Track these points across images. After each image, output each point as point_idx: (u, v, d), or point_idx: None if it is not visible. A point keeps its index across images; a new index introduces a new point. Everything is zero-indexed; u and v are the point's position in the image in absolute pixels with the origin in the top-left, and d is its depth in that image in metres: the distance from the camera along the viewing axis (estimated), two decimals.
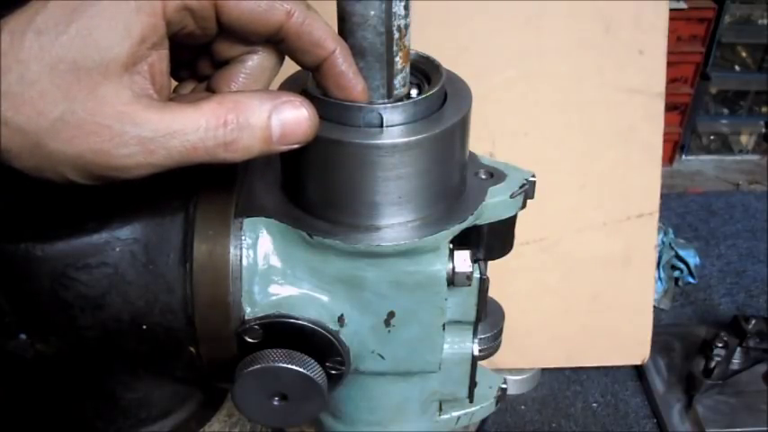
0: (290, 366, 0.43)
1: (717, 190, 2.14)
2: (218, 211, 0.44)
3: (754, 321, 1.41)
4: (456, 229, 0.44)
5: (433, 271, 0.44)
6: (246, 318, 0.44)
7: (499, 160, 0.50)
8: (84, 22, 0.34)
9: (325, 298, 0.45)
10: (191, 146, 0.37)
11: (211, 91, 0.44)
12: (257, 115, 0.38)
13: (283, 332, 0.44)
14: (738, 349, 1.39)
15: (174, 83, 0.45)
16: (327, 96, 0.42)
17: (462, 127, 0.44)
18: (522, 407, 1.42)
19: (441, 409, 0.57)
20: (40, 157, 0.35)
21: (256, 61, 0.42)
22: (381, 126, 0.41)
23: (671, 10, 1.24)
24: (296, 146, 0.40)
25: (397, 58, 0.41)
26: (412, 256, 0.44)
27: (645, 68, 1.24)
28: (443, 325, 0.47)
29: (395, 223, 0.43)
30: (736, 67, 2.20)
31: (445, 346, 0.49)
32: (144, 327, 0.45)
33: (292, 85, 0.44)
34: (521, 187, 0.47)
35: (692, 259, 1.71)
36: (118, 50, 0.35)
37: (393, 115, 0.41)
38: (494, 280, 0.49)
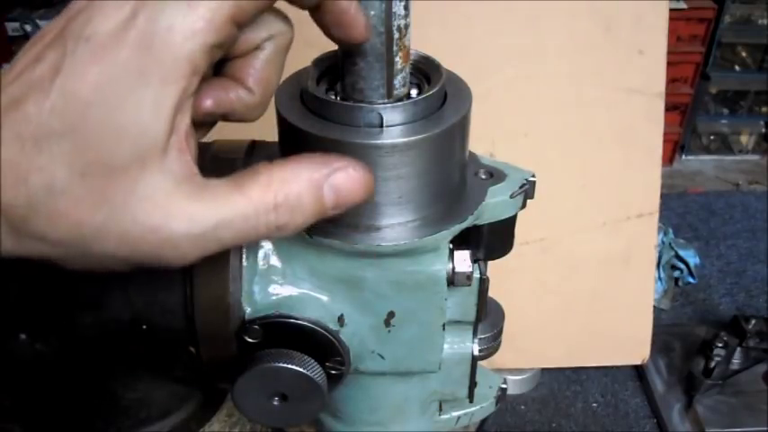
0: (290, 366, 0.43)
1: (717, 190, 2.14)
2: None
3: (754, 321, 1.41)
4: (456, 229, 0.44)
5: (433, 271, 0.44)
6: (246, 318, 0.44)
7: (499, 160, 0.50)
8: (102, 115, 0.29)
9: (325, 298, 0.45)
10: (242, 235, 0.35)
11: (228, 77, 0.39)
12: (308, 193, 0.35)
13: (283, 332, 0.44)
14: (738, 349, 1.39)
15: None
16: (330, 93, 0.42)
17: (462, 127, 0.44)
18: (522, 407, 1.41)
19: (441, 409, 0.57)
20: (88, 261, 0.33)
21: (271, 47, 0.39)
22: (381, 126, 0.41)
23: (671, 10, 1.24)
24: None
25: (397, 58, 0.41)
26: (412, 256, 0.44)
27: (645, 68, 1.24)
28: (443, 325, 0.47)
29: (395, 223, 0.43)
30: (736, 67, 2.20)
31: (445, 346, 0.49)
32: (144, 327, 0.45)
33: (292, 85, 0.44)
34: (521, 187, 0.47)
35: (692, 259, 1.70)
36: (153, 133, 0.30)
37: (393, 115, 0.41)
38: (494, 280, 0.49)
